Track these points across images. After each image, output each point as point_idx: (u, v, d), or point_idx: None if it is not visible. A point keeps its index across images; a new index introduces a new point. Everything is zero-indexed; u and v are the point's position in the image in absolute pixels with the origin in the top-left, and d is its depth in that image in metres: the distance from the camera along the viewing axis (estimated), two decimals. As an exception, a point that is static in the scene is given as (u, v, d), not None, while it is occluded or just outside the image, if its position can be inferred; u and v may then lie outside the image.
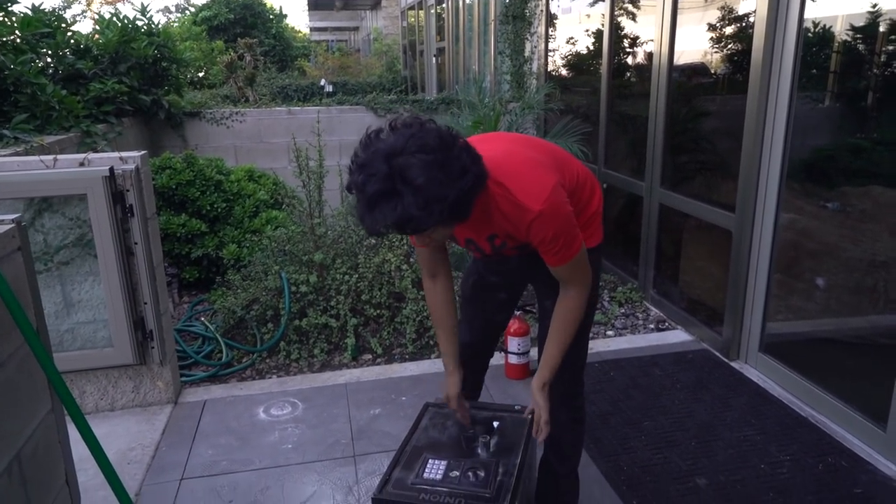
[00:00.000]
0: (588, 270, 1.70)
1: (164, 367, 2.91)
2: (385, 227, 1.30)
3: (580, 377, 1.99)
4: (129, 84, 5.25)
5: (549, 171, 1.59)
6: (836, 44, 2.76)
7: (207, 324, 3.64)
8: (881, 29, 2.55)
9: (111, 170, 2.58)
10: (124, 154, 2.71)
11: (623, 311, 3.95)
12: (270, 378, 3.28)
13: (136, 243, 2.69)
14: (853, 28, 2.67)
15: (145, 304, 2.76)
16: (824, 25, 2.76)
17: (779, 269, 3.05)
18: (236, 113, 6.34)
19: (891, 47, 2.54)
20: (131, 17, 5.65)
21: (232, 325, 3.62)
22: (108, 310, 2.70)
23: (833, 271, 2.83)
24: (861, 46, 2.73)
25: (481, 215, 1.54)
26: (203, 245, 4.32)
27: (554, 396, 1.82)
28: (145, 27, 5.77)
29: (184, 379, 3.21)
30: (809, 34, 2.79)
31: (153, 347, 2.82)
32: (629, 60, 4.39)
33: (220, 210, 4.45)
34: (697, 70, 3.65)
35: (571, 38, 5.26)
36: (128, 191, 2.63)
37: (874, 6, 2.54)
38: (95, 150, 3.96)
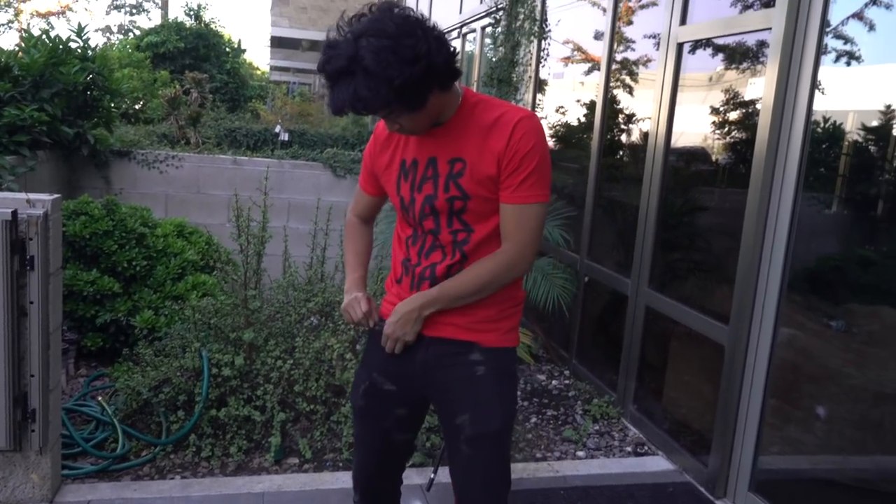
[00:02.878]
0: (538, 237, 1.85)
1: (43, 457, 2.80)
2: (344, 107, 1.63)
3: None
4: (52, 113, 5.26)
5: None
6: (846, 144, 2.92)
7: (105, 405, 3.52)
8: (895, 132, 2.71)
9: (14, 213, 2.55)
10: (32, 196, 2.69)
11: (598, 427, 3.94)
12: (173, 479, 3.17)
13: (31, 303, 2.64)
14: (865, 128, 2.83)
15: (32, 377, 2.68)
16: (834, 122, 2.91)
17: (775, 392, 3.09)
18: (173, 157, 6.38)
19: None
20: (64, 38, 5.74)
21: (135, 408, 3.51)
22: (-16, 381, 2.62)
23: (835, 400, 2.89)
24: (873, 148, 2.89)
25: (456, 130, 1.82)
26: (113, 308, 4.24)
27: None
28: (80, 49, 5.85)
29: (66, 472, 3.08)
30: (818, 129, 2.92)
31: (33, 431, 2.72)
32: (623, 138, 4.55)
33: (138, 268, 4.40)
34: (696, 155, 3.80)
35: (561, 107, 5.46)
36: (31, 240, 2.60)
37: (888, 107, 2.69)
38: (-1, 188, 3.92)
